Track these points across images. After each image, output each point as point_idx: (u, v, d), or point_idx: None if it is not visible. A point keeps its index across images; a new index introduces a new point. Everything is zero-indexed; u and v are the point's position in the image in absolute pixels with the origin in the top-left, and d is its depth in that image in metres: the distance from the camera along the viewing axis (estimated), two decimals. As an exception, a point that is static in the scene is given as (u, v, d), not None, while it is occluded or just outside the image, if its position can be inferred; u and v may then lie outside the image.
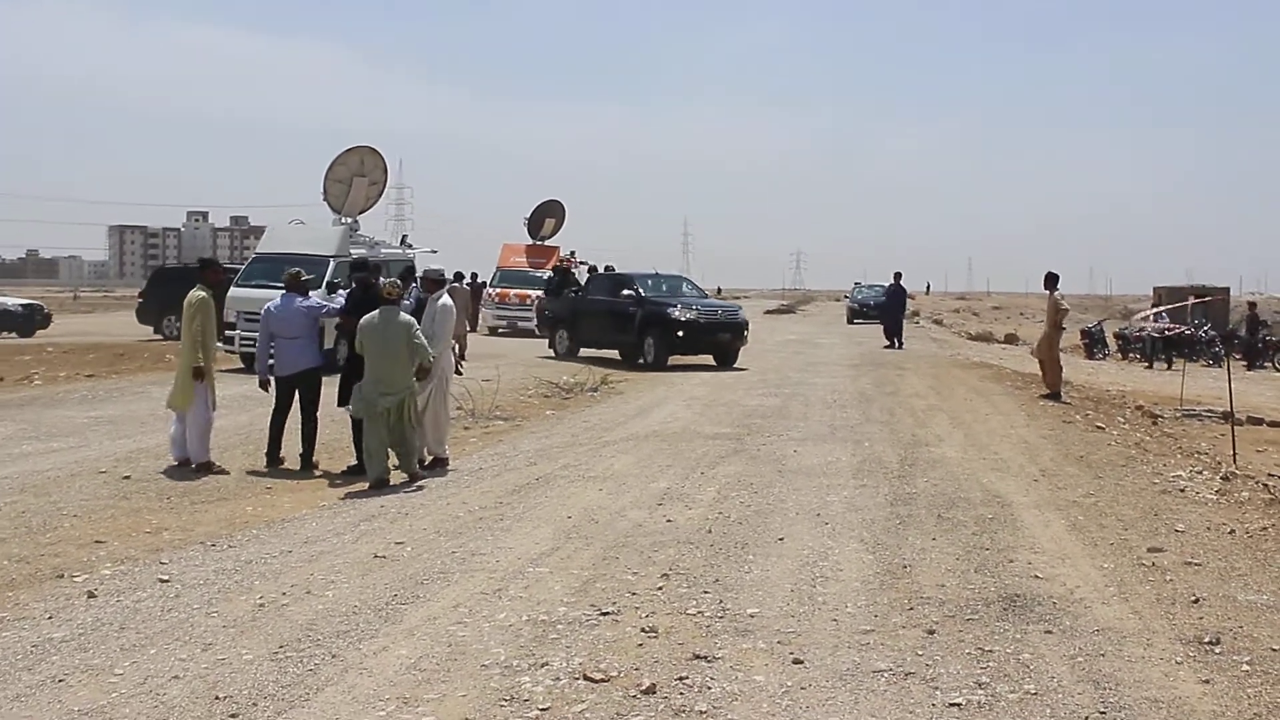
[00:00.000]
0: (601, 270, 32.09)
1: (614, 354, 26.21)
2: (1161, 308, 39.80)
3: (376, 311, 11.53)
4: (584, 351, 26.72)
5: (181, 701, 5.42)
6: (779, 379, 22.06)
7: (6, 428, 14.45)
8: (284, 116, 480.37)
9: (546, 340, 28.65)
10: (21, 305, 36.79)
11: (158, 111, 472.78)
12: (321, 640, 6.32)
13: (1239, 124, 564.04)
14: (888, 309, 33.62)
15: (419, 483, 11.24)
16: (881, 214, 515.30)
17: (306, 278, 12.92)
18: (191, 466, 11.66)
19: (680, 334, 24.60)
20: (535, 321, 36.42)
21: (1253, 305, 38.35)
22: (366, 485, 11.10)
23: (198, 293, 11.80)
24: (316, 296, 13.72)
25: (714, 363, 25.26)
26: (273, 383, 12.28)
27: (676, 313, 24.70)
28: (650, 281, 27.03)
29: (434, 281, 12.78)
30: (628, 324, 25.36)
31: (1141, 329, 37.88)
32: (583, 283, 30.05)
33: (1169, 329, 37.62)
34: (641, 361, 24.87)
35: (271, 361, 12.31)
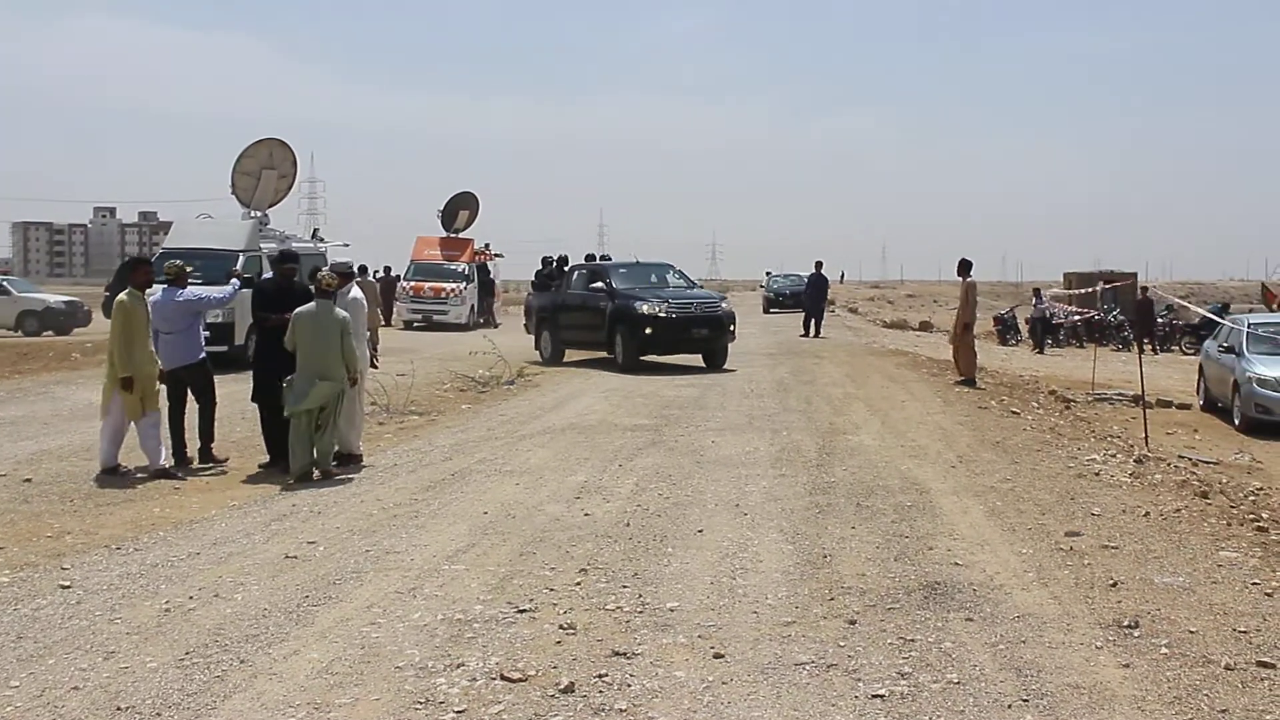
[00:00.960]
0: (599, 259, 26.92)
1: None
2: (1052, 299, 40.46)
3: (312, 304, 11.34)
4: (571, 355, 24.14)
5: (81, 713, 5.20)
6: (695, 369, 22.01)
7: (-99, 431, 13.98)
8: (194, 109, 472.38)
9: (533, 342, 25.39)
10: (64, 302, 36.16)
11: (62, 104, 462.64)
12: (229, 645, 6.12)
13: (1148, 113, 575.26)
14: (809, 297, 33.72)
15: (333, 480, 11.02)
16: (796, 203, 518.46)
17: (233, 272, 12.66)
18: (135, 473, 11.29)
19: (648, 331, 21.54)
20: (450, 315, 36.18)
21: (1144, 290, 39.09)
22: (278, 485, 10.87)
23: (122, 296, 11.34)
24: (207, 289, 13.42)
25: (702, 363, 22.55)
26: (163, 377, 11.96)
27: (645, 307, 21.58)
28: (626, 271, 23.73)
29: (342, 275, 12.57)
30: (600, 321, 22.47)
31: (1044, 309, 38.32)
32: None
33: (1078, 314, 38.26)
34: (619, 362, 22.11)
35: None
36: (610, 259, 26.54)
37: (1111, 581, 7.23)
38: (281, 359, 11.42)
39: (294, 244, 24.41)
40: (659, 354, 22.43)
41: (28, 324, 33.93)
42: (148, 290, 11.65)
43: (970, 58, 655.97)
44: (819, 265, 33.99)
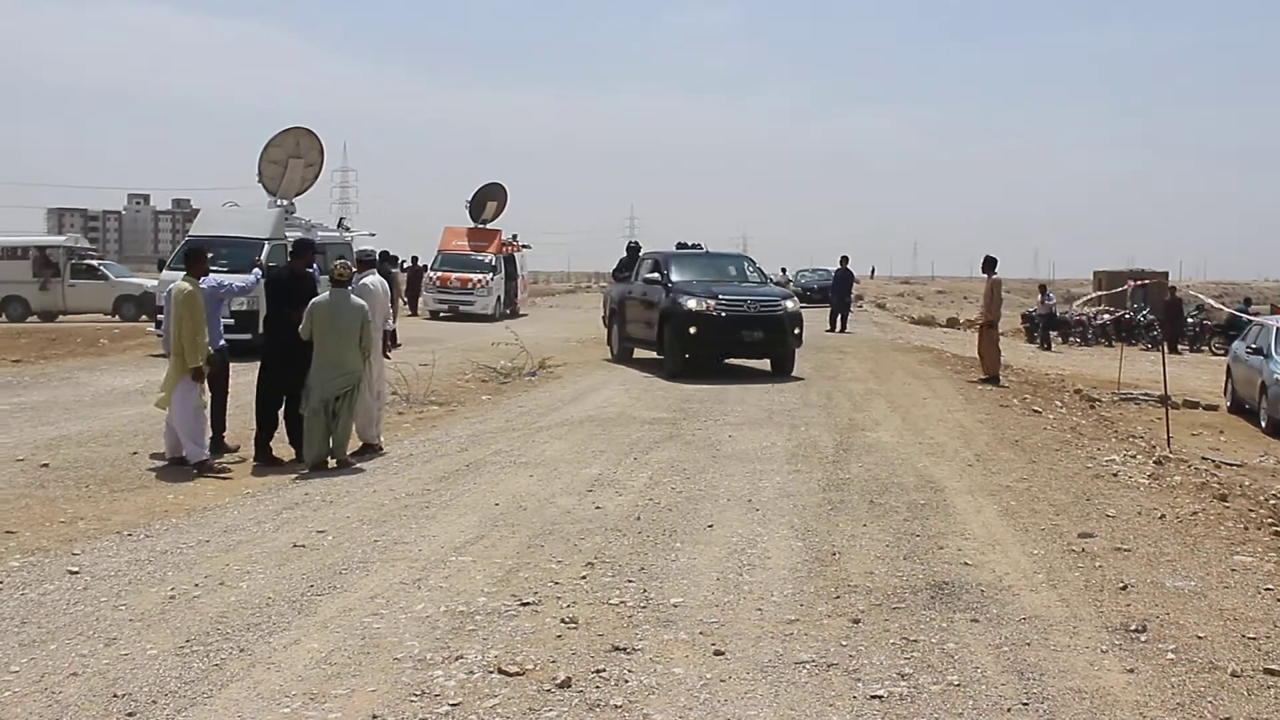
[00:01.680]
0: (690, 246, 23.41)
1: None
2: (1100, 299, 40.15)
3: (327, 294, 11.36)
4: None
5: (77, 700, 5.21)
6: (718, 363, 21.91)
7: (-75, 414, 14.09)
8: (228, 98, 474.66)
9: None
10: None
11: (98, 92, 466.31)
12: (230, 634, 6.13)
13: (1184, 112, 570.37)
14: (835, 292, 33.57)
15: (348, 469, 11.04)
16: (828, 199, 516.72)
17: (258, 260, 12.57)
18: (189, 467, 11.02)
19: (692, 331, 18.85)
20: (477, 305, 36.22)
21: (1173, 290, 38.78)
22: (292, 474, 10.90)
23: (183, 285, 11.13)
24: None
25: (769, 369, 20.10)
26: None
27: (691, 303, 18.91)
28: (688, 262, 21.19)
29: (361, 263, 12.60)
30: (654, 317, 20.04)
31: (1081, 314, 38.17)
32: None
33: (1108, 313, 38.02)
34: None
35: None
36: (702, 248, 23.00)
37: (1122, 584, 7.16)
38: (289, 351, 11.39)
39: (320, 233, 24.50)
40: (707, 357, 19.51)
41: (125, 309, 33.75)
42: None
43: (1005, 52, 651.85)
44: (844, 260, 33.80)
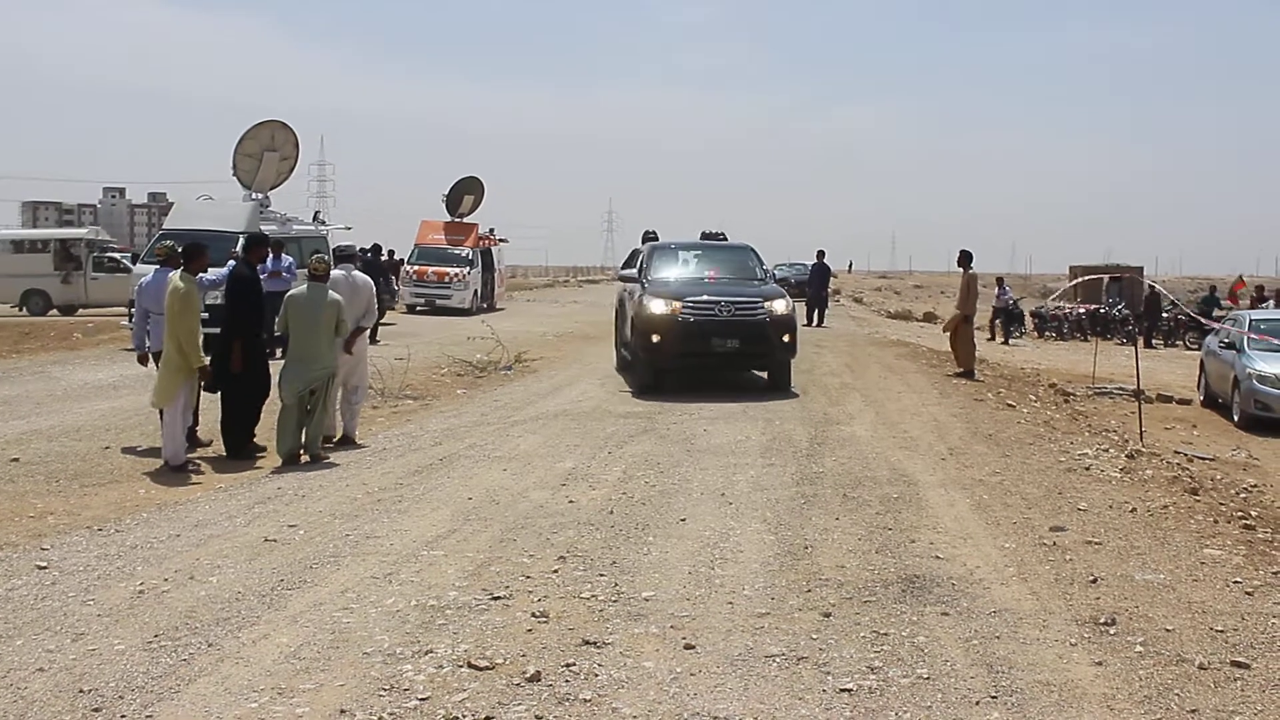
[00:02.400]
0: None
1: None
2: (1075, 298, 40.23)
3: (304, 287, 11.33)
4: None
5: (43, 695, 5.18)
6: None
7: (-105, 408, 13.98)
8: (204, 91, 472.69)
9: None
10: None
11: (72, 84, 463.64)
12: (199, 628, 6.10)
13: (1160, 107, 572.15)
14: (811, 286, 33.59)
15: (321, 463, 11.00)
16: (805, 193, 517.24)
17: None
18: (171, 468, 10.87)
19: (654, 339, 16.10)
20: (453, 299, 36.12)
21: (1152, 286, 38.94)
22: (265, 469, 10.86)
23: (179, 282, 10.96)
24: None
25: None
26: (151, 359, 11.90)
27: (655, 305, 16.25)
28: (673, 254, 18.57)
29: (340, 258, 12.60)
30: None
31: (1058, 308, 38.30)
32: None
33: (1082, 307, 38.17)
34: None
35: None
36: (725, 237, 20.05)
37: (1092, 578, 7.18)
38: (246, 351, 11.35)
39: (295, 226, 24.43)
40: (674, 368, 16.52)
41: None
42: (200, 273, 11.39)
43: (980, 49, 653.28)
44: (821, 254, 33.84)
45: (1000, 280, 38.52)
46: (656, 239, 19.85)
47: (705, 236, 20.22)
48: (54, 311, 32.95)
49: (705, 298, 16.31)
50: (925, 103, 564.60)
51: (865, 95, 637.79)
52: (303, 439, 11.20)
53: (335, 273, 12.31)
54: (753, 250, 18.89)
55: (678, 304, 16.06)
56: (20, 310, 33.22)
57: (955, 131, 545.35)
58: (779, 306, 16.53)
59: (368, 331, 12.90)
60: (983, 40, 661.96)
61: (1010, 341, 34.62)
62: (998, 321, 35.71)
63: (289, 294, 11.33)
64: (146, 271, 12.20)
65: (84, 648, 5.81)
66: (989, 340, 33.35)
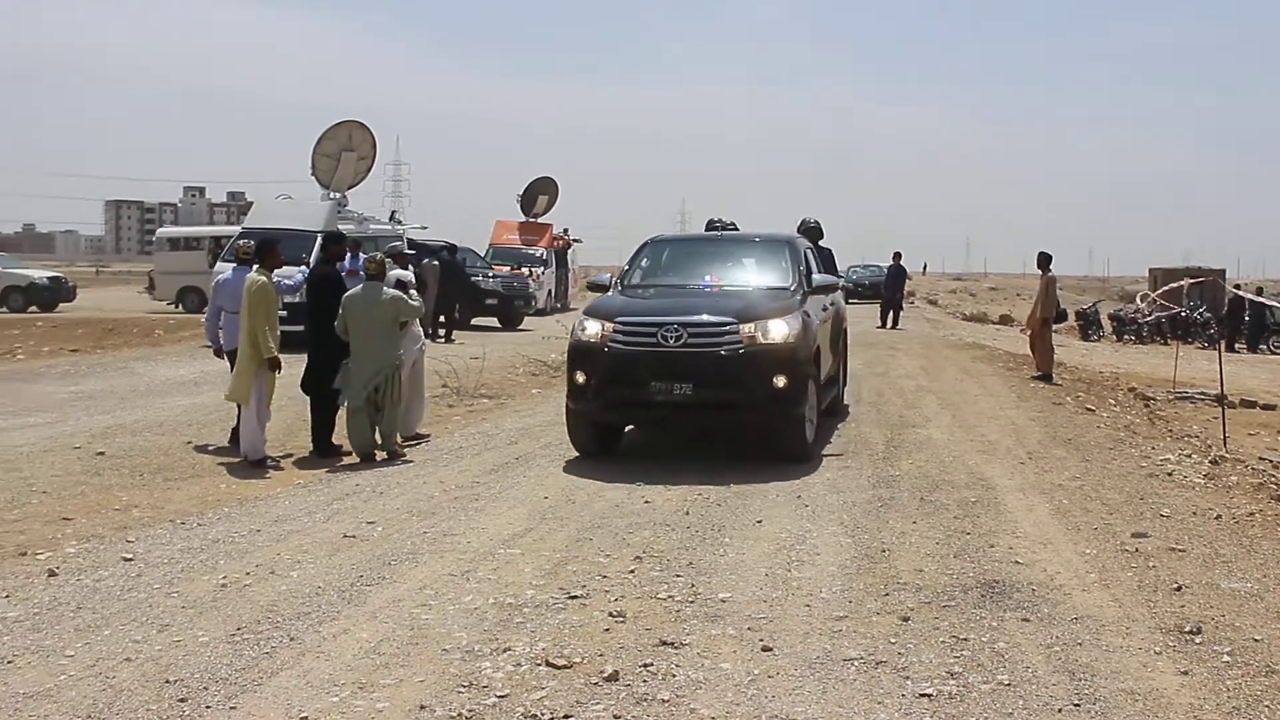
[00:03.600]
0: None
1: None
2: (1157, 302, 39.55)
3: (359, 288, 11.42)
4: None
5: (131, 684, 5.27)
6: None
7: (-16, 402, 14.30)
8: (283, 92, 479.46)
9: None
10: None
11: (156, 87, 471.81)
12: (281, 622, 6.18)
13: (1241, 106, 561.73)
14: (887, 288, 33.37)
15: (397, 460, 11.09)
16: (880, 194, 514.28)
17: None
18: (249, 463, 11.00)
19: (579, 378, 11.18)
20: (536, 302, 36.25)
21: (1237, 287, 38.19)
22: (344, 465, 10.98)
23: (257, 277, 11.14)
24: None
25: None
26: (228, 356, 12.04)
27: (588, 329, 11.31)
28: (667, 256, 13.48)
29: (395, 257, 12.77)
30: None
31: (1137, 311, 37.74)
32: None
33: (1163, 310, 37.56)
34: None
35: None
36: (736, 227, 15.20)
37: (1176, 585, 7.06)
38: (333, 349, 11.44)
39: (372, 226, 24.67)
40: (616, 422, 11.93)
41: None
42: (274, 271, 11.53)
43: (1057, 47, 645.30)
44: (897, 256, 33.62)
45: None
46: (727, 227, 15.09)
47: (710, 227, 15.31)
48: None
49: (647, 317, 11.00)
50: (998, 101, 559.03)
51: (936, 93, 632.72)
52: (376, 438, 11.29)
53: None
54: (789, 245, 13.01)
55: (609, 325, 11.00)
56: (176, 307, 33.77)
57: (1031, 131, 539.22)
58: (773, 331, 10.75)
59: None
60: (1058, 37, 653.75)
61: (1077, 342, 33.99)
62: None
63: (346, 295, 11.43)
64: (225, 269, 12.36)
65: (169, 639, 5.90)
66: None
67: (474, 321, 27.81)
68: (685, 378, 10.54)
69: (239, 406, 11.17)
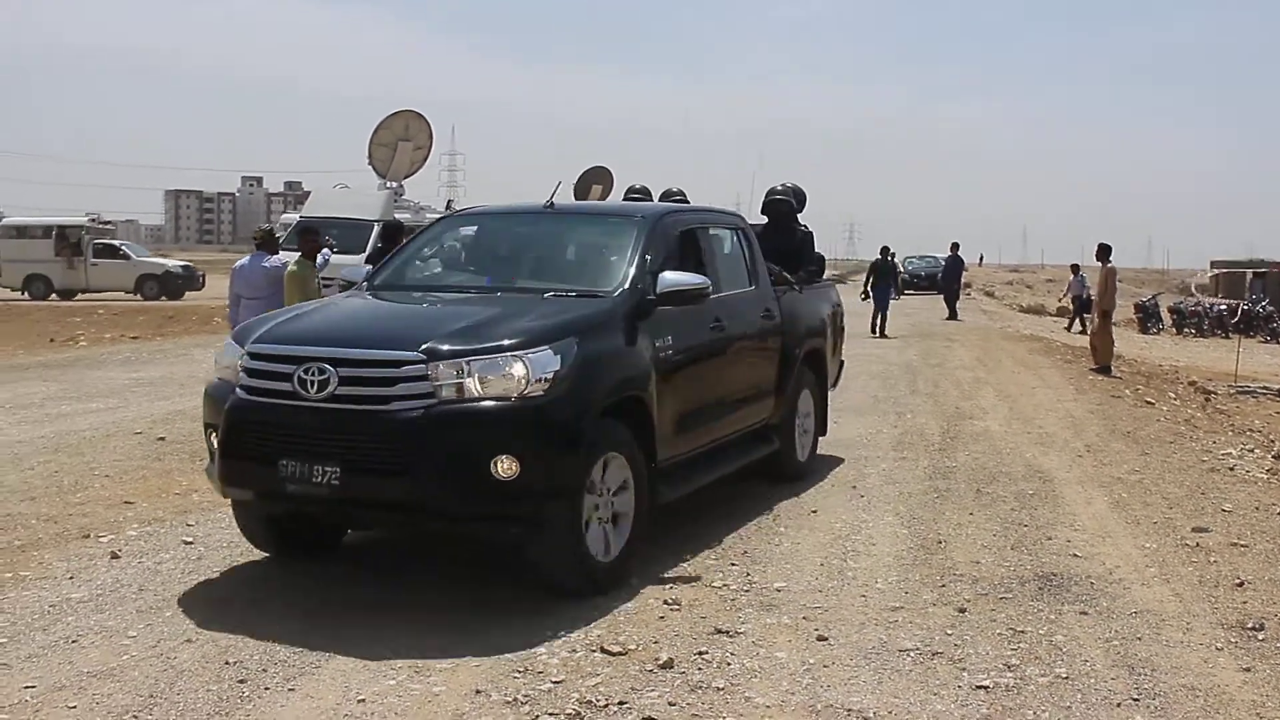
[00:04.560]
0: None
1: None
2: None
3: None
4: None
5: (191, 665, 5.34)
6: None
7: (48, 387, 14.52)
8: (340, 84, 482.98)
9: None
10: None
11: (214, 78, 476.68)
12: (338, 605, 6.23)
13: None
14: (945, 279, 33.12)
15: None
16: (936, 184, 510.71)
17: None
18: None
19: (214, 440, 7.82)
20: None
21: None
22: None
23: (294, 266, 11.21)
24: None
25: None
26: None
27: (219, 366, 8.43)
28: (469, 238, 9.29)
29: None
30: None
31: (1198, 303, 37.27)
32: None
33: (1224, 303, 37.05)
34: None
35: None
36: (684, 197, 11.54)
37: (1238, 581, 6.96)
38: None
39: (428, 215, 24.79)
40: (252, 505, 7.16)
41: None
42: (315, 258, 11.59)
43: (1112, 34, 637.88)
44: (955, 247, 33.41)
45: (1075, 267, 36.94)
46: (674, 197, 11.61)
47: (629, 196, 12.44)
48: (54, 296, 34.63)
49: (288, 347, 6.50)
50: (1056, 91, 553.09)
51: (991, 87, 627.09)
52: None
53: None
54: (643, 227, 7.85)
55: (242, 359, 6.63)
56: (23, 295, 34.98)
57: (1087, 123, 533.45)
58: (496, 374, 6.15)
59: None
60: (1116, 23, 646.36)
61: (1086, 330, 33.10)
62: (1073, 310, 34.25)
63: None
64: (243, 258, 12.48)
65: (229, 621, 5.97)
66: (1079, 331, 32.09)
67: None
68: (328, 456, 6.08)
69: None
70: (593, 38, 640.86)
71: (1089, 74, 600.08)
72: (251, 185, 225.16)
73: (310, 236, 11.51)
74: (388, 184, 24.81)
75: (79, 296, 34.92)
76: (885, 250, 28.97)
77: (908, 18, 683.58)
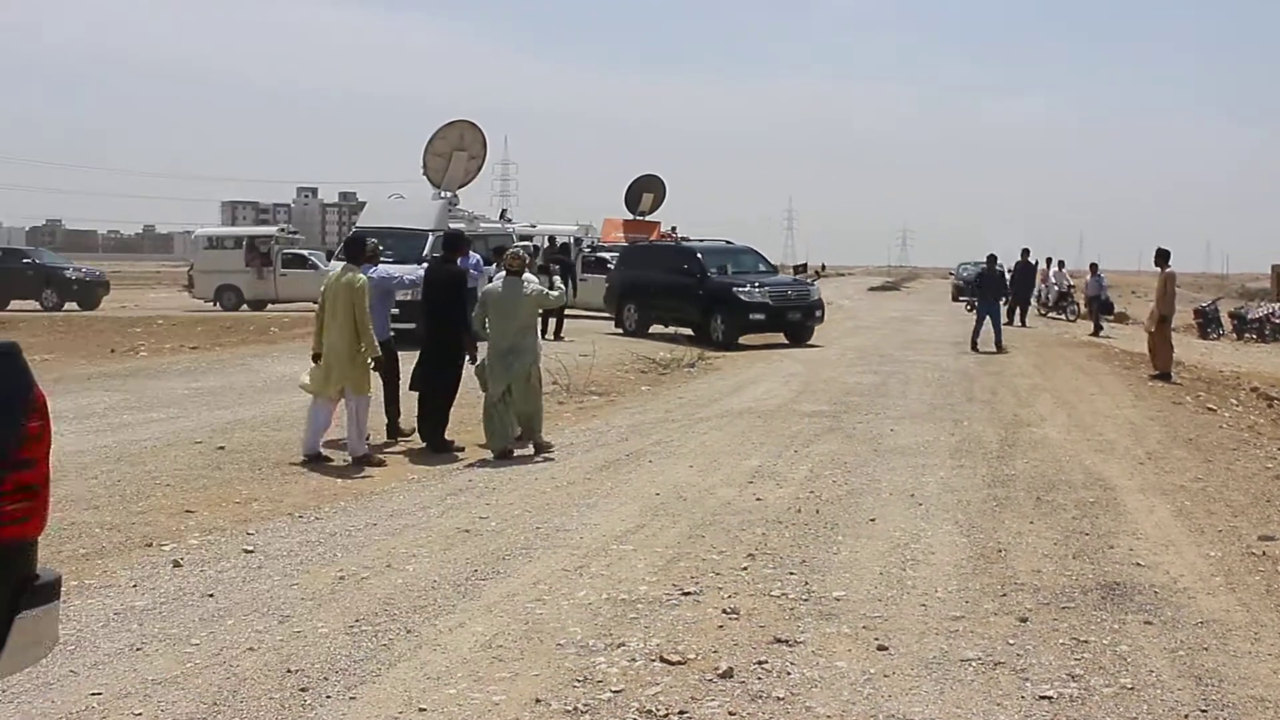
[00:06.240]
0: None
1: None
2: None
3: (499, 282, 11.58)
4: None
5: (254, 674, 5.38)
6: (879, 357, 21.66)
7: (110, 397, 14.69)
8: (391, 92, 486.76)
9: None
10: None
11: (269, 89, 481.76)
12: (398, 615, 6.26)
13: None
14: (1015, 285, 32.68)
15: (543, 455, 11.21)
16: (990, 190, 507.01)
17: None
18: (354, 460, 11.04)
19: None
20: None
21: None
22: (459, 461, 11.10)
23: (355, 275, 11.28)
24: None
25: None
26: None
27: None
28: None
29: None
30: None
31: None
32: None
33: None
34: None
35: None
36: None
37: (1306, 589, 6.86)
38: (442, 350, 11.54)
39: (482, 225, 24.89)
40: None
41: None
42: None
43: (1170, 35, 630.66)
44: (1025, 253, 33.25)
45: (1093, 266, 35.97)
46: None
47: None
48: (244, 306, 34.48)
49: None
50: (1111, 93, 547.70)
51: (1042, 86, 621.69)
52: (517, 432, 11.44)
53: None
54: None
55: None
56: (215, 306, 34.82)
57: (1141, 124, 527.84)
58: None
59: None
60: (1172, 24, 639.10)
61: (1101, 332, 32.47)
62: (1090, 310, 33.51)
63: (484, 290, 11.59)
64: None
65: (290, 629, 6.01)
66: (1090, 334, 31.40)
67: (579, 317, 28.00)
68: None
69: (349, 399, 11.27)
70: (641, 45, 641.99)
71: (1145, 75, 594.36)
72: (306, 196, 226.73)
73: (360, 247, 11.60)
74: (442, 193, 24.91)
75: (269, 307, 35.04)
76: (992, 258, 26.38)
77: (959, 15, 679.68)
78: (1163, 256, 19.44)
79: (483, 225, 25.02)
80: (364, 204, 28.51)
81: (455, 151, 25.17)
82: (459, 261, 12.60)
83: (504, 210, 30.85)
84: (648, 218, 40.72)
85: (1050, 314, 34.29)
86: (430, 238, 21.85)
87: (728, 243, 27.22)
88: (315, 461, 10.87)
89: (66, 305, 35.37)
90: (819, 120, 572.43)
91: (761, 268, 25.22)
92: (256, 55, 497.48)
